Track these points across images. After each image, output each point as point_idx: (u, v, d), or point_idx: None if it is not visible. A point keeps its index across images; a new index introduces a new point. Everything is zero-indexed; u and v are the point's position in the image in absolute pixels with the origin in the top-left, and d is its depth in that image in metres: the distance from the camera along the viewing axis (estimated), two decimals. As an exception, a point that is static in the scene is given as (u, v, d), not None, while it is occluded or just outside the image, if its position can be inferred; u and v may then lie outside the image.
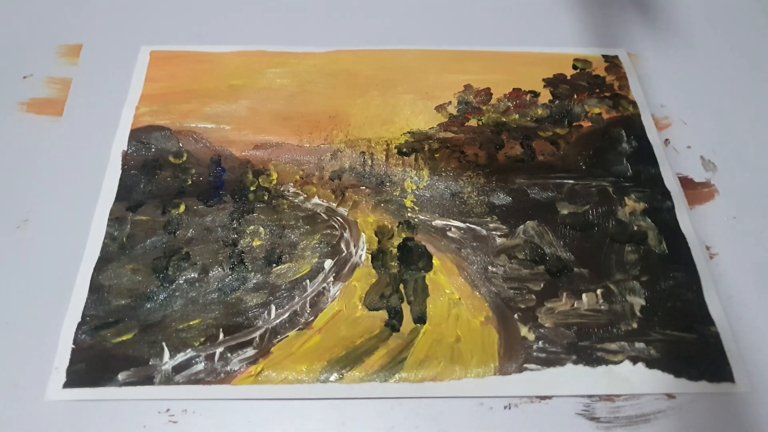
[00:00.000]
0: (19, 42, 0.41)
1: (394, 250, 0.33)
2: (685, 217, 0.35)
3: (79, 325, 0.30)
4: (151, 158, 0.36)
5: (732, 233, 0.34)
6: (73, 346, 0.29)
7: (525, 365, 0.29)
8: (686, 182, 0.36)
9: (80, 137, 0.37)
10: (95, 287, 0.31)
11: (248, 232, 0.33)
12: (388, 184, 0.35)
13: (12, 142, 0.36)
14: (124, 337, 0.30)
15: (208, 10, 0.43)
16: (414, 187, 0.35)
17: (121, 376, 0.28)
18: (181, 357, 0.29)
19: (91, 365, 0.29)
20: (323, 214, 0.34)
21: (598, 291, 0.32)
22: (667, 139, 0.38)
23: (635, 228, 0.34)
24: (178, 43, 0.41)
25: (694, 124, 0.39)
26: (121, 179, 0.35)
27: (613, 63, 0.42)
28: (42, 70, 0.39)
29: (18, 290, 0.31)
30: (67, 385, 0.28)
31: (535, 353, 0.30)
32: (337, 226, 0.33)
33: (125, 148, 0.36)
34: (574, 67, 0.41)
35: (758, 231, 0.34)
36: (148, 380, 0.28)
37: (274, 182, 0.35)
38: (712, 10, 0.46)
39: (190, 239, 0.33)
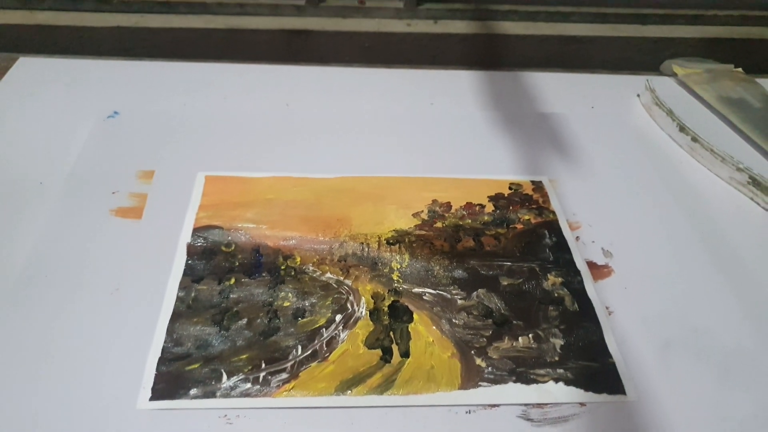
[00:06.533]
0: (110, 168, 0.56)
1: (386, 308, 0.46)
2: (591, 287, 0.49)
3: (160, 359, 0.41)
4: (208, 248, 0.49)
5: (624, 298, 0.48)
6: (156, 372, 0.41)
7: (479, 383, 0.41)
8: (591, 265, 0.51)
9: (155, 234, 0.50)
10: (170, 333, 0.43)
11: (281, 296, 0.46)
12: (379, 264, 0.49)
13: (105, 237, 0.49)
14: (193, 366, 0.41)
15: (249, 147, 0.59)
16: (398, 266, 0.49)
17: (191, 392, 0.40)
18: (234, 379, 0.41)
19: (170, 385, 0.40)
20: (334, 284, 0.47)
21: (530, 335, 0.45)
22: (578, 237, 0.54)
23: (556, 294, 0.48)
24: (226, 170, 0.56)
25: (596, 226, 0.55)
26: (186, 263, 0.48)
27: (538, 186, 0.58)
28: (125, 188, 0.54)
29: (114, 336, 0.43)
30: (152, 398, 0.39)
31: (486, 375, 0.42)
32: (344, 292, 0.47)
33: (189, 241, 0.50)
34: (510, 188, 0.57)
35: (641, 297, 0.48)
36: (211, 395, 0.40)
37: (298, 263, 0.49)
38: (609, 149, 0.64)
39: (239, 301, 0.45)
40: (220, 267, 0.48)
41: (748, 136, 0.67)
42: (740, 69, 0.79)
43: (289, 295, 0.46)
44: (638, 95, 0.75)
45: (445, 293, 0.47)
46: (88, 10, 0.79)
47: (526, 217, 0.55)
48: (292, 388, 0.40)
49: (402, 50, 0.82)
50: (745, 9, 0.90)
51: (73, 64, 0.71)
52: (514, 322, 0.46)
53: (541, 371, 0.43)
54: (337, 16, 0.82)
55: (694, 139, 0.65)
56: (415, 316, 0.46)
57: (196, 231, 0.51)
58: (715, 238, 0.55)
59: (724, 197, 0.60)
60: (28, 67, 0.70)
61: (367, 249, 0.50)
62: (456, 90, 0.72)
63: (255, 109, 0.66)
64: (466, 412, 0.40)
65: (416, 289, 0.48)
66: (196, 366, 0.41)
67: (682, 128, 0.66)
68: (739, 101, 0.72)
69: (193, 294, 0.46)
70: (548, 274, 0.50)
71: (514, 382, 0.42)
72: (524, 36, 0.84)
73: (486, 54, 0.84)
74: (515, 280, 0.49)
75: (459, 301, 0.47)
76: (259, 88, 0.70)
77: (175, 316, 0.44)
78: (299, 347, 0.43)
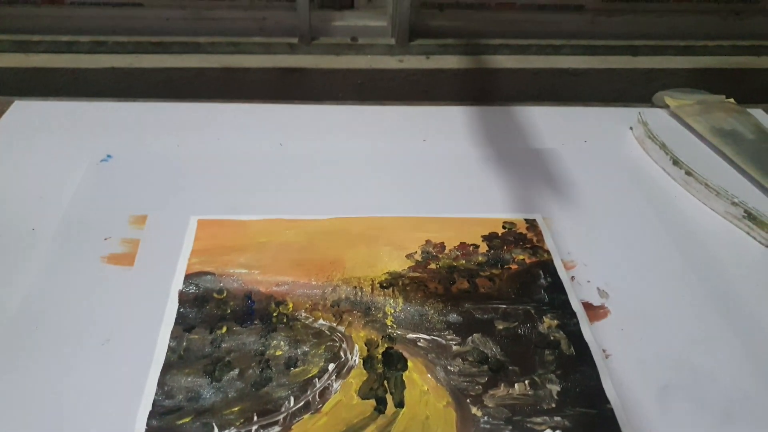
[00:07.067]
0: (103, 213, 0.55)
1: (379, 356, 0.45)
2: (587, 329, 0.48)
3: (151, 413, 0.41)
4: (200, 295, 0.49)
5: (620, 340, 0.48)
6: (147, 428, 0.40)
7: (475, 433, 0.41)
8: (587, 306, 0.51)
9: (147, 281, 0.50)
10: (161, 386, 0.42)
11: (272, 345, 0.46)
12: (373, 309, 0.49)
13: (97, 285, 0.49)
14: (185, 420, 0.40)
15: (242, 189, 0.59)
16: (392, 311, 0.49)
17: (183, 448, 0.39)
18: (226, 433, 0.40)
19: (160, 441, 0.39)
20: (327, 331, 0.47)
21: (526, 381, 0.44)
22: (573, 276, 0.53)
23: (552, 338, 0.48)
24: (219, 213, 0.56)
25: (591, 265, 0.54)
26: (178, 311, 0.48)
27: (532, 224, 0.58)
28: (118, 234, 0.54)
29: (104, 389, 0.42)
30: (142, 456, 0.39)
31: (482, 425, 0.41)
32: (337, 339, 0.46)
33: (181, 288, 0.49)
34: (504, 227, 0.57)
35: (638, 339, 0.48)
36: (202, 450, 0.39)
37: (291, 309, 0.48)
38: (602, 184, 0.64)
39: (231, 350, 0.45)
40: (211, 315, 0.47)
41: (741, 168, 0.68)
42: (732, 99, 0.79)
43: (282, 343, 0.46)
44: (631, 128, 0.75)
45: (439, 339, 0.47)
46: (83, 52, 0.80)
47: (521, 257, 0.54)
48: (284, 442, 0.40)
49: (394, 86, 0.82)
50: (735, 39, 0.91)
51: (67, 107, 0.72)
52: (510, 367, 0.45)
53: (538, 419, 0.42)
54: (330, 53, 0.83)
55: (688, 173, 0.65)
56: (409, 363, 0.45)
57: (188, 278, 0.50)
58: (713, 274, 0.54)
59: (720, 232, 0.60)
60: (23, 110, 0.70)
61: (360, 293, 0.50)
62: (449, 126, 0.72)
63: (248, 149, 0.66)
64: (462, 465, 0.39)
65: (410, 335, 0.47)
66: (188, 420, 0.41)
67: (676, 162, 0.67)
68: (731, 133, 0.73)
69: (184, 344, 0.45)
70: (544, 317, 0.49)
71: (511, 431, 0.41)
72: (516, 69, 0.85)
73: (478, 88, 0.85)
74: (510, 323, 0.48)
75: (454, 347, 0.46)
76: (253, 127, 0.70)
77: (167, 368, 0.43)
78: (292, 398, 0.42)
